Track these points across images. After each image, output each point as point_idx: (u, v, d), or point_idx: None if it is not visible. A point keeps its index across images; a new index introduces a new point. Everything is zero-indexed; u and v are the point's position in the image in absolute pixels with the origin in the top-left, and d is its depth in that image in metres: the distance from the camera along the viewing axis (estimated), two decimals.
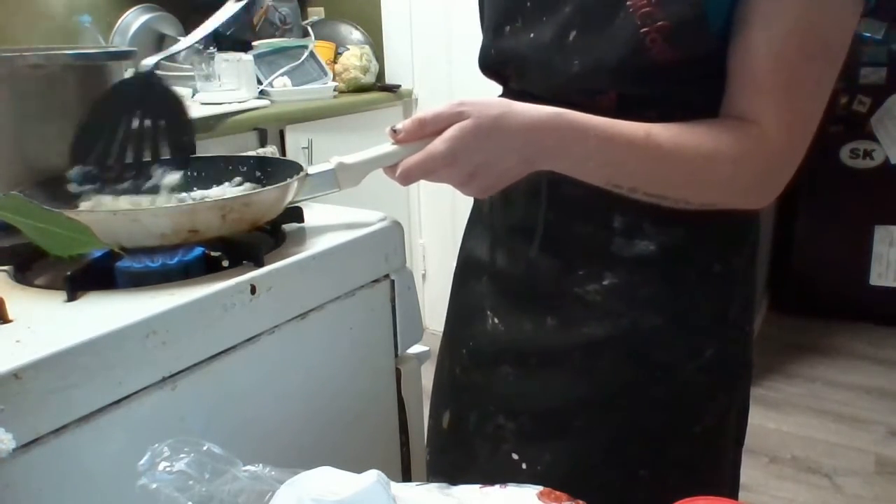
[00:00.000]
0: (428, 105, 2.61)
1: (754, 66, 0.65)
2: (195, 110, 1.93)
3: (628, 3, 0.66)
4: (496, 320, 0.83)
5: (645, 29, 0.66)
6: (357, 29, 2.68)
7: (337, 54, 2.55)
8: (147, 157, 0.85)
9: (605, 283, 0.75)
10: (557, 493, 0.57)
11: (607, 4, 0.68)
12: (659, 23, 0.65)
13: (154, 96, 0.88)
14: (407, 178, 0.69)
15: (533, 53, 0.75)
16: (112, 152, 0.84)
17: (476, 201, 0.91)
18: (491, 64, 0.82)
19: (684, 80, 0.69)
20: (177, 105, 0.89)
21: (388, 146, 0.95)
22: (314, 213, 0.95)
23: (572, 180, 0.73)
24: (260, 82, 2.26)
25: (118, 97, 0.87)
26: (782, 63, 0.64)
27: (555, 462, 0.78)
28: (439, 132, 0.66)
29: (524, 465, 0.79)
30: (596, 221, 0.74)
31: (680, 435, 0.76)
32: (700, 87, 0.70)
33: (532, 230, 0.77)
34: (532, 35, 0.74)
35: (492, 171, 0.67)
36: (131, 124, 0.85)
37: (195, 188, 0.95)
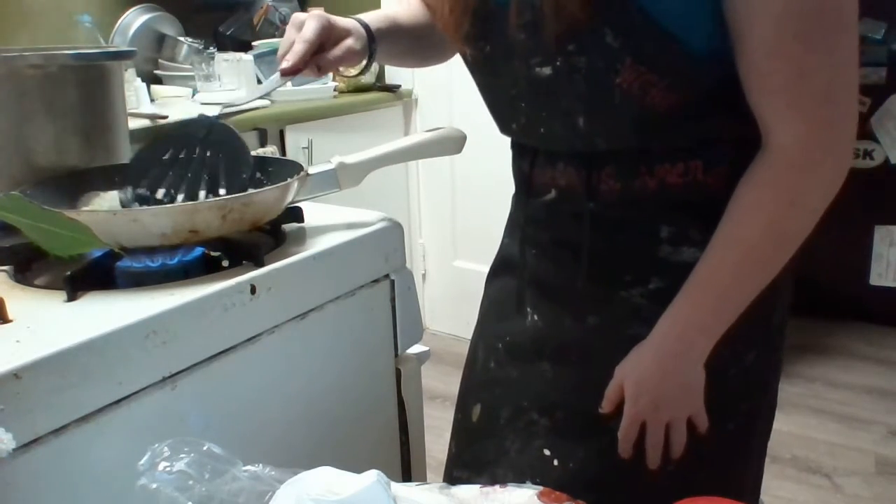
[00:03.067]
0: (428, 105, 2.60)
1: (755, 70, 0.64)
2: (195, 110, 1.93)
3: (618, 81, 0.66)
4: (535, 316, 0.83)
5: (645, 96, 0.66)
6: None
7: None
8: (202, 186, 0.86)
9: (650, 286, 0.75)
10: (557, 493, 0.57)
11: (600, 89, 0.68)
12: (655, 84, 0.66)
13: (216, 135, 0.88)
14: (626, 451, 0.77)
15: (552, 142, 0.76)
16: (165, 178, 0.86)
17: (513, 205, 0.90)
18: (514, 141, 0.84)
19: (707, 106, 0.69)
20: (237, 142, 0.89)
21: (388, 146, 0.96)
22: (314, 213, 0.95)
23: (616, 205, 0.74)
24: (260, 82, 2.25)
25: (180, 133, 0.88)
26: (781, 54, 0.62)
27: (588, 459, 0.78)
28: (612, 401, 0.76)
29: (556, 462, 0.80)
30: (642, 233, 0.75)
31: (712, 433, 0.77)
32: (728, 105, 0.69)
33: (577, 248, 0.78)
34: (542, 130, 0.75)
35: (675, 402, 0.74)
36: (190, 154, 0.87)
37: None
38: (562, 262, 0.80)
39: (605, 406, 0.76)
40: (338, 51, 0.80)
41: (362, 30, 0.83)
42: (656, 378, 0.73)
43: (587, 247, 0.77)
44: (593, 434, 0.78)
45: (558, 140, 0.75)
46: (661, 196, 0.72)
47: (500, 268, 0.91)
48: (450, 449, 0.95)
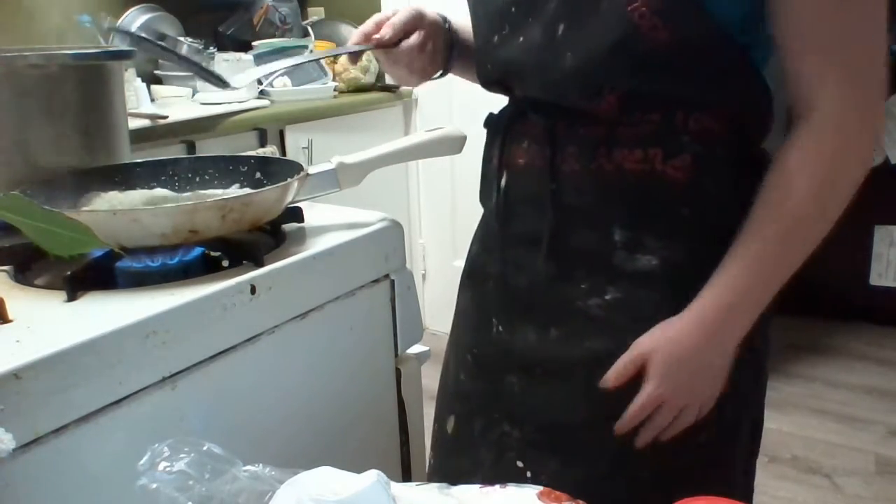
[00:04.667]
0: (428, 105, 2.60)
1: (800, 28, 0.65)
2: (195, 110, 1.93)
3: None
4: (501, 328, 0.83)
5: (632, 6, 0.65)
6: (357, 29, 2.67)
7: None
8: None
9: (607, 297, 0.74)
10: (557, 493, 0.57)
11: None
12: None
13: None
14: (623, 427, 0.74)
15: (526, 56, 0.74)
16: None
17: (483, 207, 0.90)
18: (490, 78, 0.82)
19: (683, 71, 0.68)
20: None
21: (388, 146, 0.96)
22: (314, 213, 0.95)
23: (576, 189, 0.74)
24: (260, 82, 2.25)
25: None
26: (829, 13, 0.63)
27: (560, 471, 0.77)
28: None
29: (529, 474, 0.79)
30: (598, 231, 0.74)
31: (684, 445, 0.75)
32: (702, 84, 0.69)
33: (538, 240, 0.77)
34: (521, 39, 0.74)
35: (702, 385, 0.72)
36: None
37: (196, 189, 0.95)
38: (522, 263, 0.79)
39: (612, 380, 0.72)
40: (404, 45, 0.85)
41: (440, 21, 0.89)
42: (692, 356, 0.70)
43: (548, 231, 0.76)
44: (564, 446, 0.78)
45: (531, 52, 0.73)
46: (619, 184, 0.72)
47: (467, 278, 0.91)
48: (429, 461, 0.95)
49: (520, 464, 0.80)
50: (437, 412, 0.95)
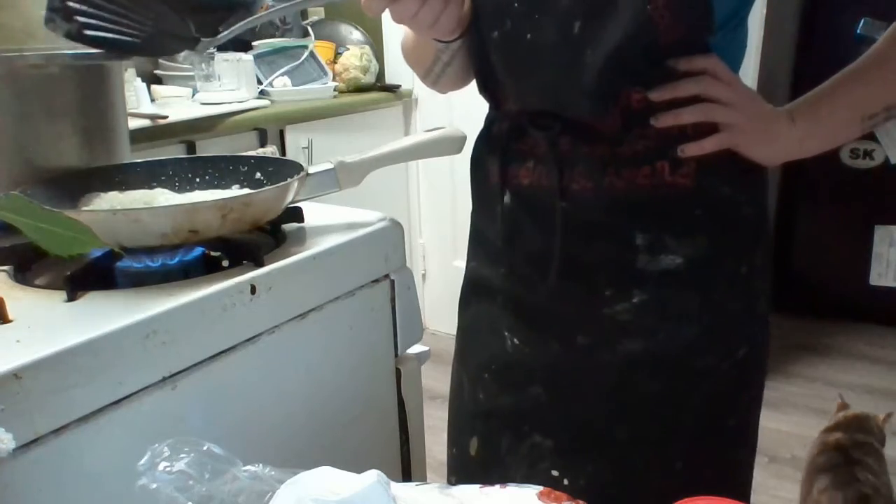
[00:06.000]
0: (428, 105, 2.60)
1: None
2: (195, 110, 1.93)
3: None
4: (516, 341, 0.82)
5: (651, 5, 0.65)
6: (357, 29, 2.67)
7: (337, 54, 2.54)
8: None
9: (634, 300, 0.74)
10: (557, 493, 0.57)
11: None
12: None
13: None
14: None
15: (536, 55, 0.72)
16: None
17: (476, 223, 0.89)
18: (487, 81, 0.79)
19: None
20: None
21: (388, 146, 0.96)
22: (314, 213, 0.95)
23: (588, 206, 0.73)
24: (260, 82, 2.25)
25: None
26: None
27: (598, 473, 0.78)
28: None
29: (566, 481, 0.79)
30: (617, 242, 0.73)
31: (717, 430, 0.77)
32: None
33: (548, 257, 0.76)
34: (529, 36, 0.71)
35: (757, 118, 0.74)
36: None
37: (196, 189, 0.95)
38: (535, 281, 0.79)
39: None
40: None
41: None
42: (770, 110, 0.73)
43: (559, 248, 0.75)
44: (599, 446, 0.78)
45: (543, 51, 0.71)
46: (632, 197, 0.72)
47: (472, 294, 0.90)
48: (450, 484, 0.94)
49: (555, 473, 0.80)
50: (455, 436, 0.93)
